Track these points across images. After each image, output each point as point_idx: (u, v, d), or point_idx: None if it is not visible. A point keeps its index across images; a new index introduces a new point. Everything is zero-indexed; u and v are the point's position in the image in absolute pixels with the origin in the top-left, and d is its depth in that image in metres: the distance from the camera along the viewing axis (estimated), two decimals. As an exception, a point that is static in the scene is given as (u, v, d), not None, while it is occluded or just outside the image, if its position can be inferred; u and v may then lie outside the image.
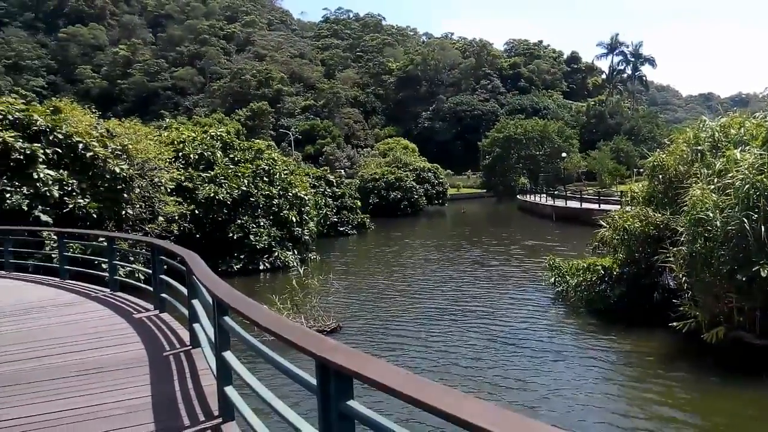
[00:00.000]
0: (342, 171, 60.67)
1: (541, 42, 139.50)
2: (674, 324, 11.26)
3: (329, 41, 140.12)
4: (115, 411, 4.77)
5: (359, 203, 40.48)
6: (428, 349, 12.79)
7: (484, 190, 79.02)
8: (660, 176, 14.78)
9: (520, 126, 77.12)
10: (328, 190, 37.84)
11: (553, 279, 16.76)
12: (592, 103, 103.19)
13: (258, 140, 34.20)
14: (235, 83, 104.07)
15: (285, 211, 24.92)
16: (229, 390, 4.35)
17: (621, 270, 14.42)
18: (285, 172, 26.80)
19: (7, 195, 15.77)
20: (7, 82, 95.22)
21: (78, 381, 5.64)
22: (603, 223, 15.62)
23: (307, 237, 26.19)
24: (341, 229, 37.28)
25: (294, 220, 25.11)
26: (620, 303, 14.09)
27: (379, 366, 2.43)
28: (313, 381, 2.82)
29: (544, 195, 51.40)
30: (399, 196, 51.41)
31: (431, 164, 61.24)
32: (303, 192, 26.84)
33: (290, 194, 25.84)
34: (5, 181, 15.96)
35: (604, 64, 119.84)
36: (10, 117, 17.49)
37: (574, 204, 40.65)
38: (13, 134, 16.63)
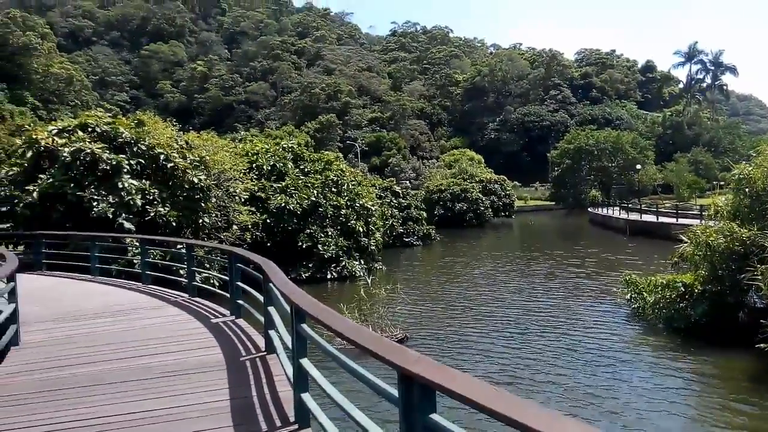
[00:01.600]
0: (408, 182, 60.81)
1: (613, 51, 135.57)
2: (762, 345, 10.56)
3: (396, 54, 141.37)
4: (197, 413, 4.92)
5: (425, 214, 40.41)
6: (496, 361, 12.55)
7: (553, 203, 77.18)
8: (746, 190, 13.97)
9: (592, 137, 74.98)
10: (394, 201, 38.00)
11: (629, 295, 16.09)
12: (669, 113, 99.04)
13: (327, 152, 34.87)
14: (305, 97, 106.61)
15: (352, 222, 25.20)
16: (306, 397, 4.40)
17: (703, 287, 13.67)
18: (353, 183, 27.15)
19: (95, 203, 16.71)
20: (95, 96, 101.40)
21: (161, 382, 5.87)
22: (683, 238, 14.89)
23: (373, 247, 26.36)
24: (407, 240, 37.31)
25: (361, 230, 25.35)
26: (702, 322, 13.37)
27: (465, 380, 2.40)
28: (395, 392, 2.82)
29: (617, 208, 49.63)
30: (465, 208, 50.97)
31: (498, 176, 60.44)
32: (370, 203, 27.08)
33: (357, 205, 26.12)
34: (93, 190, 16.92)
35: (681, 73, 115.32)
36: (98, 129, 18.59)
37: (649, 218, 39.04)
38: (101, 146, 17.66)
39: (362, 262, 25.13)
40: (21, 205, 17.22)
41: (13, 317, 7.68)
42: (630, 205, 47.45)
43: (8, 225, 18.22)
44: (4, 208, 18.02)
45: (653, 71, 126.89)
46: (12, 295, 7.85)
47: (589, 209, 58.24)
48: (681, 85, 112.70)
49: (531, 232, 48.85)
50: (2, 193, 18.23)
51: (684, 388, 10.82)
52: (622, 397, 10.40)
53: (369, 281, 19.20)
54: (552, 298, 19.45)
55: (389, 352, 2.79)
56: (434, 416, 2.56)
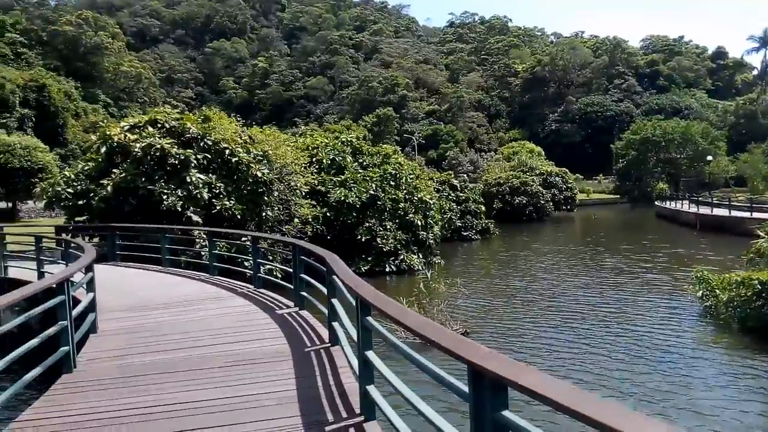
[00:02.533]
0: (465, 175, 60.21)
1: (681, 37, 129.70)
2: None
3: (454, 45, 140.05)
4: (265, 402, 5.06)
5: (483, 208, 39.94)
6: (561, 357, 12.32)
7: (617, 196, 74.69)
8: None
9: (659, 127, 72.03)
10: (452, 194, 37.72)
11: (700, 292, 15.42)
12: (742, 101, 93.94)
13: (385, 145, 34.95)
14: (363, 90, 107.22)
15: (410, 215, 25.21)
16: (371, 389, 4.45)
17: (782, 286, 12.94)
18: (411, 176, 27.15)
19: (164, 196, 17.38)
20: (162, 93, 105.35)
21: (230, 371, 6.06)
22: (760, 233, 14.13)
23: (431, 241, 26.30)
24: (465, 233, 37.00)
25: (419, 223, 25.34)
26: (781, 322, 12.66)
27: (538, 376, 2.36)
28: (465, 388, 2.81)
29: (686, 201, 47.55)
30: (524, 201, 50.04)
31: (559, 168, 59.01)
32: (428, 196, 27.01)
33: (415, 198, 26.11)
34: (163, 183, 17.61)
35: (755, 59, 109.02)
36: (167, 125, 19.31)
37: (721, 212, 37.21)
38: (169, 141, 18.33)
39: (421, 255, 25.12)
40: (96, 198, 18.11)
41: (92, 306, 8.10)
42: (700, 199, 45.36)
43: (85, 217, 19.19)
44: (81, 202, 18.98)
45: (724, 58, 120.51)
46: (90, 285, 8.26)
47: (656, 203, 56.07)
48: (755, 72, 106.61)
49: (594, 227, 47.48)
50: (79, 187, 19.20)
51: (760, 388, 10.30)
52: (693, 396, 10.00)
53: (428, 275, 19.17)
54: (619, 294, 18.88)
55: (459, 347, 2.78)
56: (506, 413, 2.54)
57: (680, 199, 50.40)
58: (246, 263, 14.20)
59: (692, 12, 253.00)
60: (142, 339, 7.70)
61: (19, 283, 12.88)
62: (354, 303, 4.75)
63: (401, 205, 25.15)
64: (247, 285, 11.39)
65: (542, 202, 51.12)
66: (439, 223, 28.94)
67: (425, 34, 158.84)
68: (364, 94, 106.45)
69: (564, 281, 21.79)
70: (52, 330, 5.99)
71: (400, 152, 34.18)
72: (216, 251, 13.71)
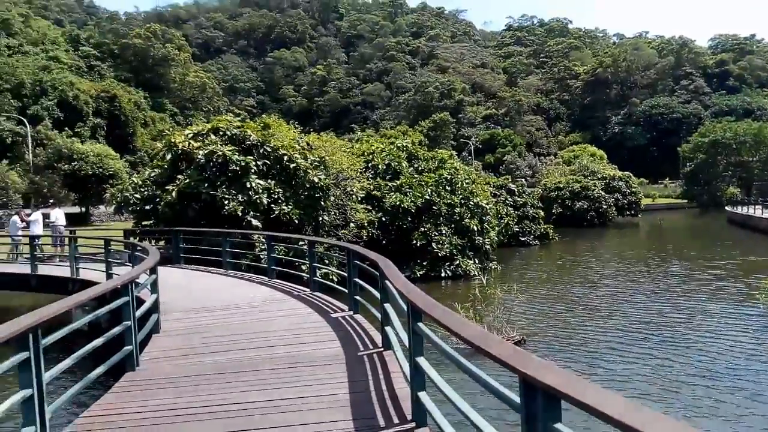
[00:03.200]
0: (523, 180, 59.21)
1: (753, 35, 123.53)
2: None
3: (512, 49, 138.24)
4: (319, 404, 5.10)
5: (542, 213, 39.13)
6: (623, 368, 11.86)
7: (685, 201, 71.65)
8: None
9: (730, 129, 68.70)
10: (510, 199, 37.14)
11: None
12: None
13: (441, 150, 34.80)
14: (419, 96, 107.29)
15: (466, 220, 24.98)
16: (423, 395, 4.41)
17: None
18: (467, 181, 26.91)
19: (226, 202, 17.90)
20: (225, 102, 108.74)
21: (285, 373, 6.15)
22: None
23: (488, 246, 25.95)
24: (523, 239, 36.34)
25: (475, 228, 25.06)
26: None
27: (594, 390, 2.27)
28: (516, 399, 2.74)
29: (759, 206, 45.07)
30: (585, 206, 48.70)
31: (622, 172, 57.15)
32: (484, 201, 26.69)
33: (472, 203, 25.85)
34: (224, 189, 18.14)
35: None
36: (228, 133, 19.88)
37: (799, 217, 35.08)
38: (231, 148, 18.87)
39: (477, 261, 24.83)
40: (162, 203, 18.85)
41: (155, 307, 8.40)
42: (776, 204, 42.93)
43: (151, 222, 20.00)
44: (148, 206, 19.80)
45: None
46: (154, 286, 8.57)
47: (726, 208, 53.44)
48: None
49: (661, 233, 45.68)
50: (146, 192, 20.04)
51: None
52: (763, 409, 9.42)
53: (484, 280, 18.92)
54: (687, 302, 18.06)
55: (511, 357, 2.71)
56: (559, 426, 2.45)
57: (753, 204, 47.83)
58: (303, 267, 14.42)
59: (764, 9, 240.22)
60: (202, 339, 7.93)
61: (88, 284, 13.54)
62: (405, 308, 4.73)
63: (457, 209, 24.96)
64: (304, 288, 11.55)
65: (604, 206, 49.63)
66: (496, 228, 28.54)
67: (482, 38, 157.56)
68: (420, 100, 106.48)
69: (628, 288, 21.04)
70: (117, 329, 6.25)
71: (456, 157, 33.98)
72: (274, 255, 13.98)
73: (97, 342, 5.48)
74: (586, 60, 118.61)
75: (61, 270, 16.21)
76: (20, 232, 19.77)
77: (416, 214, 23.96)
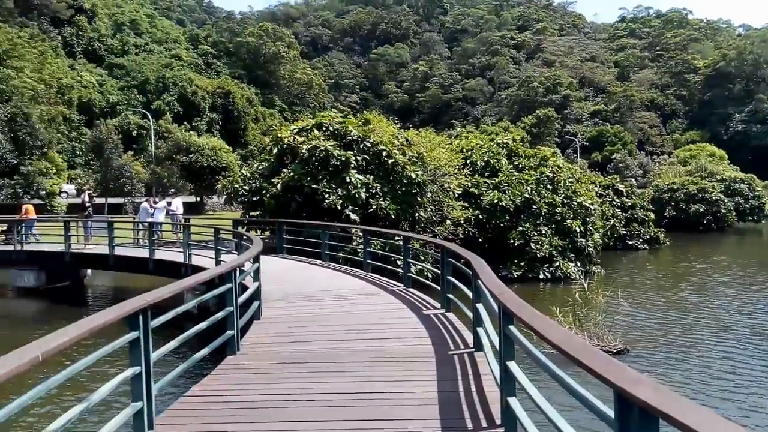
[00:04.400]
0: (633, 180, 56.17)
1: None
2: None
3: (624, 41, 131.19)
4: (406, 401, 5.11)
5: (652, 216, 36.91)
6: (738, 390, 10.93)
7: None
8: None
9: None
10: (617, 200, 35.34)
11: None
12: None
13: (543, 147, 33.77)
14: (523, 91, 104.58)
15: (568, 220, 24.07)
16: (512, 401, 4.29)
17: None
18: (570, 180, 25.92)
19: (326, 195, 18.41)
20: (330, 98, 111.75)
21: (375, 366, 6.23)
22: None
23: (591, 248, 24.86)
24: (630, 242, 34.49)
25: (578, 229, 24.09)
26: None
27: (698, 411, 2.09)
28: (611, 413, 2.59)
29: None
30: (701, 210, 45.34)
31: (744, 174, 52.70)
32: (588, 201, 25.59)
33: (575, 203, 24.88)
34: (325, 183, 18.66)
35: None
36: (331, 128, 20.42)
37: None
38: (332, 143, 19.37)
39: (578, 263, 23.87)
40: (267, 195, 19.72)
41: (257, 294, 8.80)
42: None
43: (258, 212, 20.98)
44: (255, 198, 20.80)
45: None
46: (257, 275, 8.97)
47: None
48: None
49: (787, 241, 41.69)
50: (254, 184, 21.04)
51: None
52: None
53: (585, 285, 18.14)
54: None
55: (605, 369, 2.56)
56: (656, 445, 2.28)
57: None
58: (398, 262, 14.52)
59: None
60: (299, 328, 8.21)
61: (199, 269, 14.43)
62: (497, 309, 4.62)
63: (558, 209, 24.11)
64: (398, 283, 11.63)
65: (723, 211, 45.98)
66: (601, 230, 27.25)
67: (593, 31, 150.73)
68: (524, 95, 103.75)
69: (749, 299, 19.37)
70: (220, 314, 6.60)
71: (559, 154, 32.85)
72: (370, 249, 14.19)
73: (201, 326, 5.81)
74: (707, 53, 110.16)
75: (176, 255, 17.38)
76: (149, 219, 21.38)
77: (514, 212, 23.41)
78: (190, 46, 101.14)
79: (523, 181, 24.21)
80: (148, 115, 61.42)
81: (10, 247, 20.53)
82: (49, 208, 41.07)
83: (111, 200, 44.47)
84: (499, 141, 27.52)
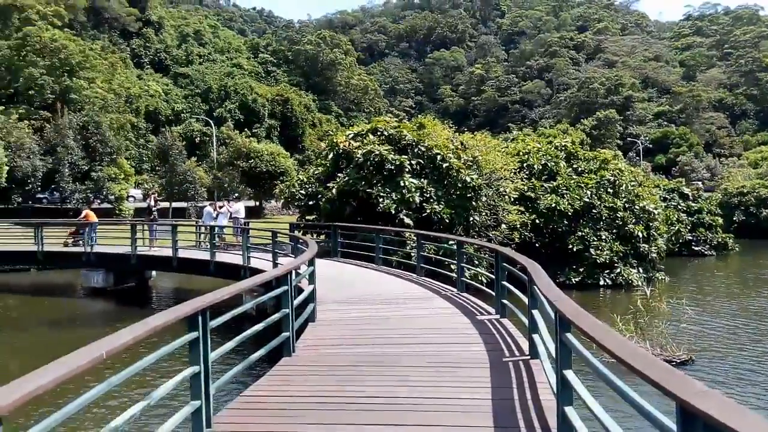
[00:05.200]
0: (700, 183, 53.84)
1: None
2: None
3: (690, 40, 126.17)
4: (459, 407, 5.04)
5: (720, 220, 35.27)
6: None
7: None
8: None
9: None
10: (682, 204, 33.97)
11: None
12: None
13: (604, 150, 32.83)
14: (582, 92, 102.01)
15: (630, 225, 23.28)
16: (569, 410, 4.16)
17: None
18: (632, 183, 25.08)
19: (380, 199, 18.49)
20: (385, 103, 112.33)
21: (428, 371, 6.18)
22: None
23: (654, 254, 23.96)
24: (696, 248, 33.05)
25: (640, 235, 23.26)
26: None
27: (765, 426, 1.97)
28: (672, 426, 2.48)
29: None
30: (775, 215, 42.97)
31: (825, 177, 49.57)
32: (652, 205, 24.68)
33: (637, 207, 24.05)
34: (380, 187, 18.75)
35: None
36: (386, 133, 20.52)
37: None
38: (387, 147, 19.46)
39: (640, 270, 23.04)
40: (323, 199, 19.99)
41: (312, 297, 8.90)
42: None
43: (314, 216, 21.29)
44: (311, 202, 21.13)
45: None
46: (311, 277, 9.09)
47: None
48: None
49: None
50: (310, 189, 21.38)
51: None
52: None
53: (648, 291, 17.48)
54: None
55: (667, 380, 2.45)
56: (722, 462, 2.16)
57: None
58: (452, 266, 14.42)
59: None
60: (354, 331, 8.25)
61: (257, 271, 14.76)
62: (553, 317, 4.50)
63: (620, 214, 23.36)
64: (451, 288, 11.54)
65: (799, 216, 43.40)
66: (665, 235, 26.25)
67: (657, 30, 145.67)
68: (583, 96, 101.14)
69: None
70: (276, 316, 6.72)
71: (621, 157, 31.84)
72: (424, 253, 14.15)
73: (258, 327, 5.93)
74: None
75: (235, 258, 17.84)
76: (211, 222, 21.99)
77: (573, 217, 22.84)
78: (250, 54, 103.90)
79: (582, 185, 23.59)
80: (211, 122, 63.40)
81: (81, 249, 21.57)
82: (117, 212, 43.03)
83: (175, 204, 46.14)
84: (557, 144, 26.94)
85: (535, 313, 6.10)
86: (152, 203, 24.19)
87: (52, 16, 56.75)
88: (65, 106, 46.91)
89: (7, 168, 38.23)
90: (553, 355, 4.65)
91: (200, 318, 4.40)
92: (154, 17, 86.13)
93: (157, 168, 55.10)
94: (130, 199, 47.85)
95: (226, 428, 4.69)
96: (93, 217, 22.77)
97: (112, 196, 44.23)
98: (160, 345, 4.07)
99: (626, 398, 2.99)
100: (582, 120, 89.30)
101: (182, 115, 73.54)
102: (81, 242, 21.95)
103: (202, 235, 22.64)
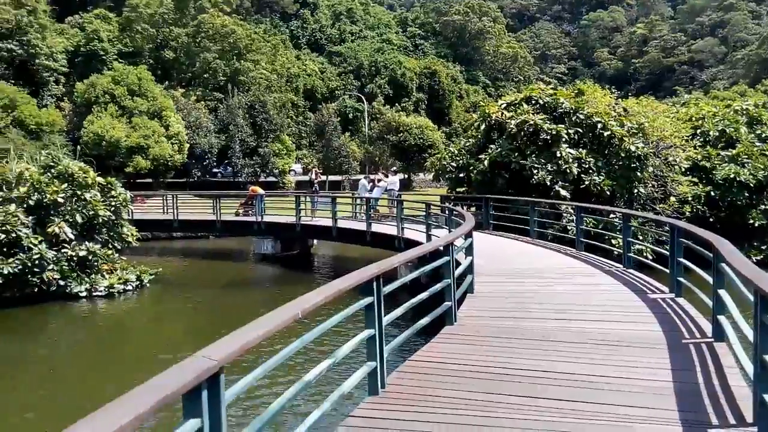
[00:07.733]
0: None
1: None
2: None
3: None
4: (634, 388, 4.81)
5: None
6: None
7: None
8: None
9: None
10: None
11: None
12: None
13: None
14: (764, 50, 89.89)
15: (829, 199, 20.28)
16: (769, 398, 3.79)
17: None
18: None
19: (535, 171, 17.92)
20: (535, 71, 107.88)
21: (595, 349, 5.94)
22: None
23: None
24: None
25: (841, 210, 20.18)
26: None
27: None
28: None
29: None
30: None
31: None
32: None
33: (839, 178, 20.84)
34: (534, 158, 18.16)
35: None
36: (540, 101, 19.73)
37: None
38: (542, 117, 18.73)
39: (840, 249, 20.06)
40: (474, 171, 19.82)
41: (470, 269, 8.94)
42: None
43: (464, 188, 21.23)
44: (461, 174, 21.05)
45: None
46: (469, 250, 9.11)
47: None
48: None
49: None
50: (461, 161, 21.29)
51: None
52: None
53: None
54: None
55: None
56: None
57: None
58: (613, 241, 13.65)
59: None
60: (513, 304, 8.18)
61: (411, 242, 15.13)
62: (752, 297, 4.09)
63: (817, 185, 20.42)
64: (615, 264, 10.95)
65: None
66: None
67: None
68: (765, 54, 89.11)
69: None
70: (438, 286, 6.85)
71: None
72: (582, 227, 13.53)
73: (423, 296, 6.11)
74: None
75: (389, 229, 18.41)
76: (366, 194, 22.90)
77: (756, 188, 20.39)
78: (399, 29, 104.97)
79: (766, 153, 20.95)
80: (363, 98, 65.40)
81: (252, 219, 23.58)
82: (281, 185, 46.39)
83: (331, 177, 48.62)
84: (737, 107, 24.09)
85: (722, 292, 5.60)
86: (314, 177, 25.68)
87: (222, 3, 61.58)
88: (235, 87, 51.11)
89: (188, 145, 42.75)
90: (748, 338, 4.25)
91: (375, 283, 4.63)
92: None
93: (314, 143, 58.30)
94: (292, 172, 51.25)
95: (398, 389, 4.91)
96: (260, 191, 24.75)
97: (277, 170, 47.68)
98: (332, 311, 4.35)
99: None
100: (763, 80, 78.81)
101: (336, 92, 76.63)
102: (250, 213, 23.98)
103: (358, 207, 23.59)
